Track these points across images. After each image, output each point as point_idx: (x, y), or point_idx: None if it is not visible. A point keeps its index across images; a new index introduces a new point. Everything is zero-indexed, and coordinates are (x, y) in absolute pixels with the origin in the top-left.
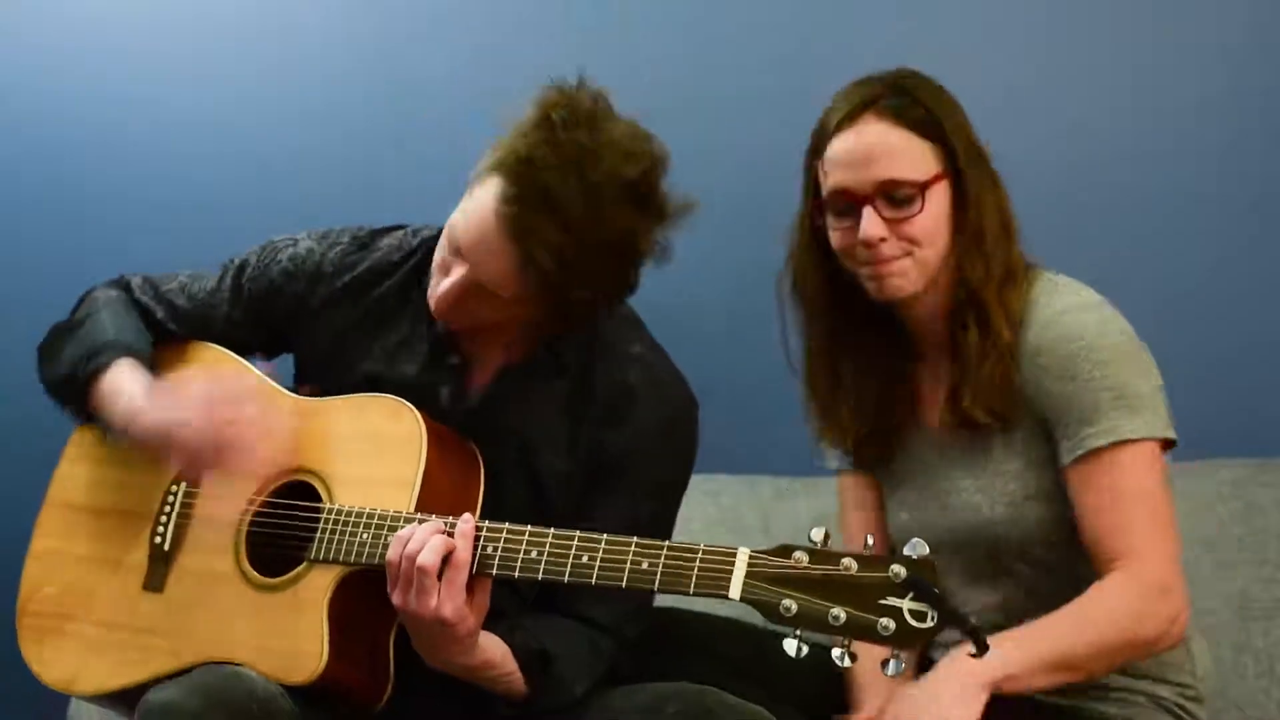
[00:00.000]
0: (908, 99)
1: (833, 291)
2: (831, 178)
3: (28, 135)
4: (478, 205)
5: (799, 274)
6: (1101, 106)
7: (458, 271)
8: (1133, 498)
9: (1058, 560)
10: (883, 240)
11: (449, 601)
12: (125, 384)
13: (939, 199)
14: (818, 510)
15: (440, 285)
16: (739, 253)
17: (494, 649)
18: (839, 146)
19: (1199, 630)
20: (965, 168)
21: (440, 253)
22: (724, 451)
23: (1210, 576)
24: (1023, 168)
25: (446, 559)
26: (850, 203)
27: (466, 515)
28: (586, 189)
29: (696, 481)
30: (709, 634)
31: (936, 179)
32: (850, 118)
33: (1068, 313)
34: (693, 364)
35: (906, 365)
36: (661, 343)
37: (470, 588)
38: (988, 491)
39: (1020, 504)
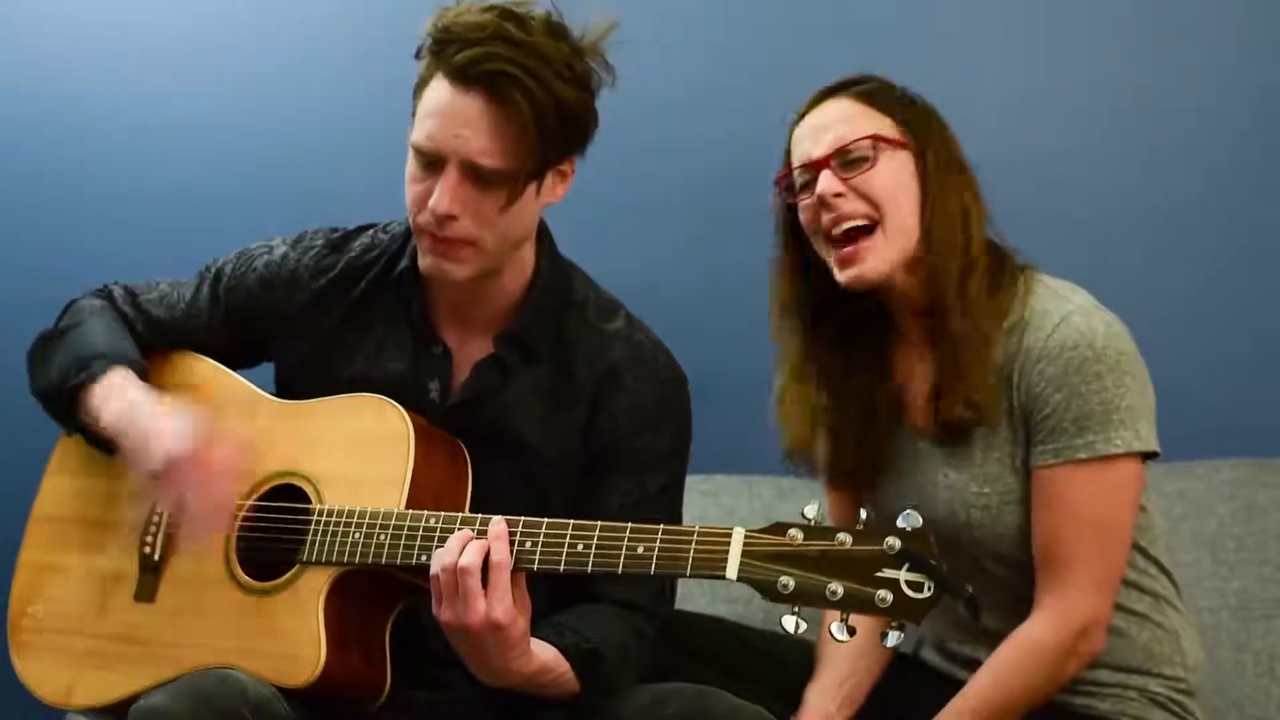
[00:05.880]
0: (871, 83)
1: (810, 293)
2: (794, 157)
3: (25, 134)
4: (439, 100)
5: (778, 285)
6: (1101, 108)
7: (449, 171)
8: (1089, 524)
9: (1029, 561)
10: (839, 196)
11: (498, 603)
12: (118, 389)
13: (898, 163)
14: None
15: (438, 190)
16: (738, 252)
17: (545, 652)
18: (801, 129)
19: (1194, 626)
20: (925, 148)
21: (416, 176)
22: (724, 451)
23: (1210, 576)
24: (1023, 170)
25: (486, 563)
26: (811, 174)
27: (498, 518)
28: (521, 27)
29: (696, 482)
30: (708, 634)
31: (894, 143)
32: (814, 103)
33: (1067, 319)
34: (692, 364)
35: (888, 357)
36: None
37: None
38: (962, 493)
39: (996, 509)
